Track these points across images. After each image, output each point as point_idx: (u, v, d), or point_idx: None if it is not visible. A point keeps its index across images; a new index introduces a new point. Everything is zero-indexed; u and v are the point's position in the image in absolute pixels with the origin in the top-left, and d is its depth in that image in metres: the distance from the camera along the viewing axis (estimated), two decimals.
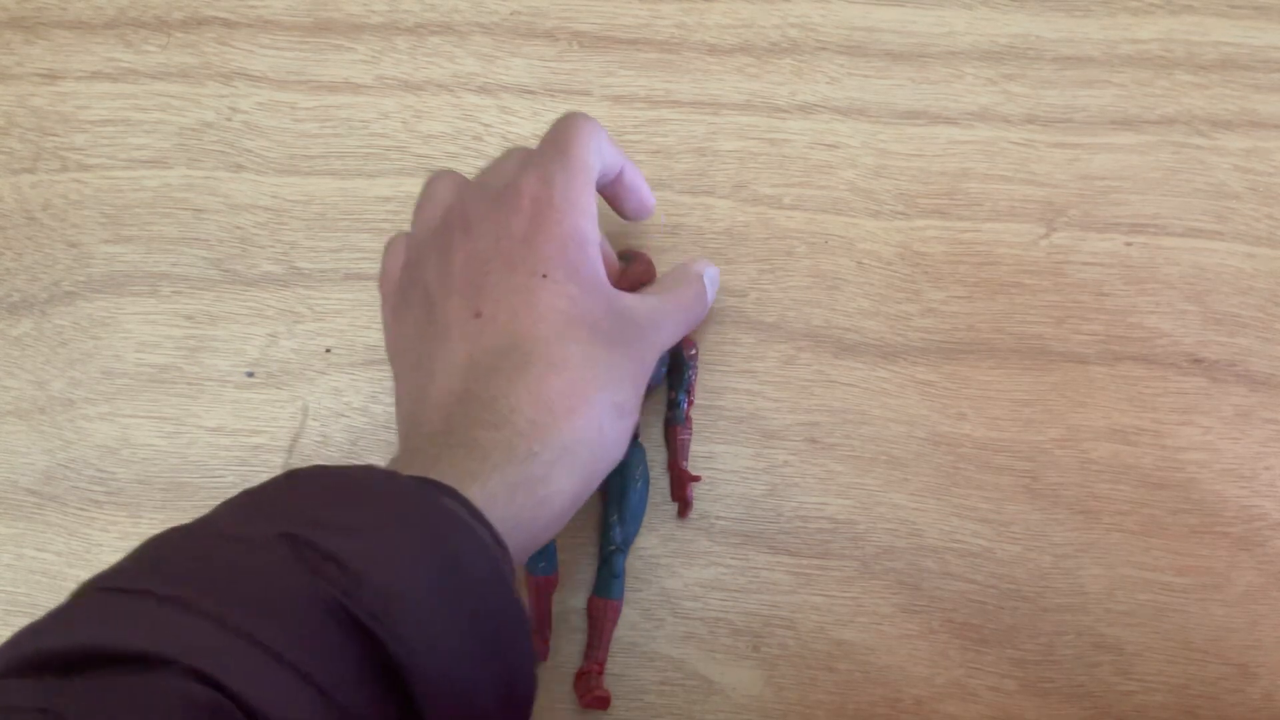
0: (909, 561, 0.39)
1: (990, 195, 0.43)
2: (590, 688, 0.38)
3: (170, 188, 0.44)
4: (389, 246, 0.38)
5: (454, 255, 0.34)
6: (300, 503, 0.27)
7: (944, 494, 0.40)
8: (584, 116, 0.36)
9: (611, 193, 0.38)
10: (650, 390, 0.40)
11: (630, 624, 0.39)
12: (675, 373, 0.40)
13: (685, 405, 0.40)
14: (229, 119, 0.44)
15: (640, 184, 0.38)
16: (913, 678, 0.39)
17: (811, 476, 0.40)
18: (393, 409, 0.41)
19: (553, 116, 0.44)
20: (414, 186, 0.43)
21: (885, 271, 0.42)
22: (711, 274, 0.39)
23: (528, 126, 0.44)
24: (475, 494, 0.29)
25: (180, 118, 0.44)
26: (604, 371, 0.32)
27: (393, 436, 0.41)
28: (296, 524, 0.26)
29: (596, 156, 0.35)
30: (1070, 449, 0.40)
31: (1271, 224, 0.42)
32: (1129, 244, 0.42)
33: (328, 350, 0.42)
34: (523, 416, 0.30)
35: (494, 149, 0.44)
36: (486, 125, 0.44)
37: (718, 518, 0.40)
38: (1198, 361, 0.41)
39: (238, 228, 0.43)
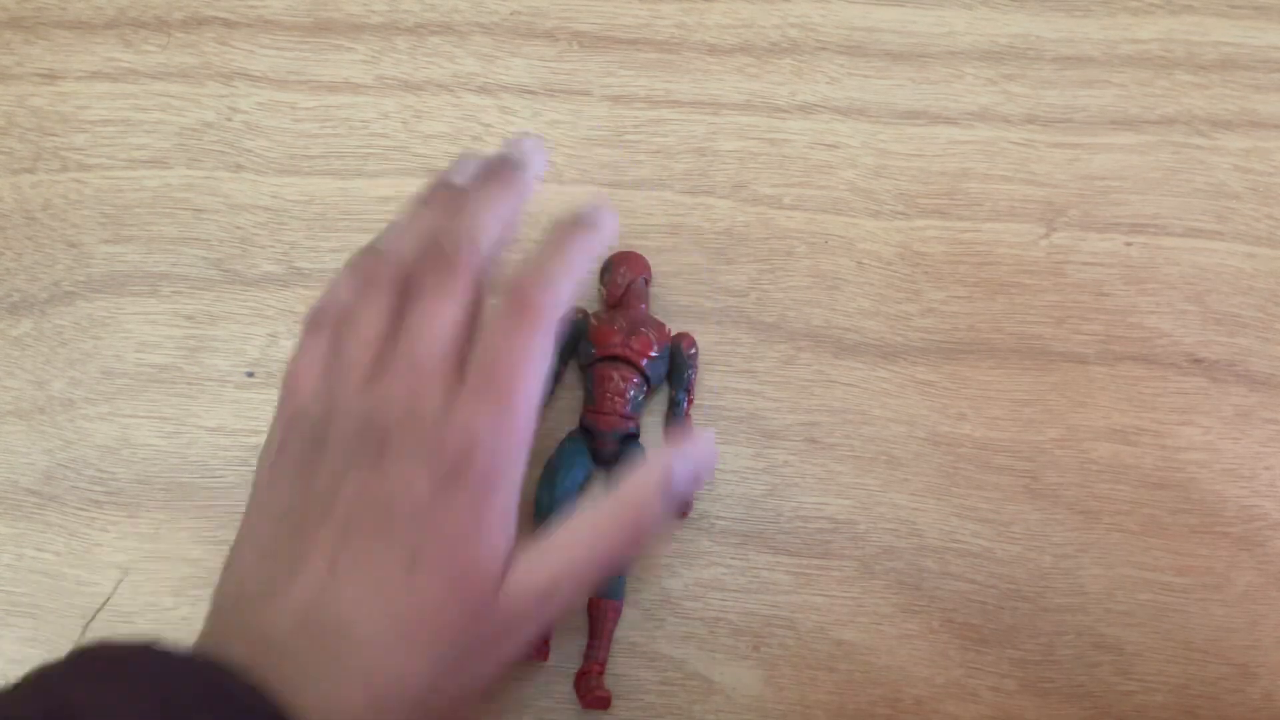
0: (909, 561, 0.39)
1: (990, 195, 0.43)
2: (591, 688, 0.38)
3: (170, 188, 0.44)
4: (312, 323, 0.33)
5: (348, 485, 0.30)
6: (75, 682, 0.26)
7: (944, 494, 0.40)
8: (540, 307, 0.31)
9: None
10: (651, 389, 0.40)
11: (631, 624, 0.39)
12: (675, 372, 0.40)
13: (685, 404, 0.40)
14: (229, 119, 0.44)
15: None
16: (913, 678, 0.39)
17: (811, 476, 0.40)
18: None
19: (553, 116, 0.44)
20: (414, 186, 0.43)
21: (885, 271, 0.42)
22: (686, 464, 0.32)
23: (528, 126, 0.44)
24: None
25: (180, 118, 0.44)
26: (416, 691, 0.29)
27: None
28: (63, 705, 0.25)
29: (543, 380, 0.31)
30: (1070, 449, 0.40)
31: (1271, 224, 0.42)
32: (1129, 244, 0.42)
33: None
34: (307, 712, 0.27)
35: (494, 148, 0.44)
36: (486, 125, 0.44)
37: (718, 518, 0.40)
38: (1198, 361, 0.41)
39: (238, 228, 0.43)
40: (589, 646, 0.38)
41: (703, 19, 0.45)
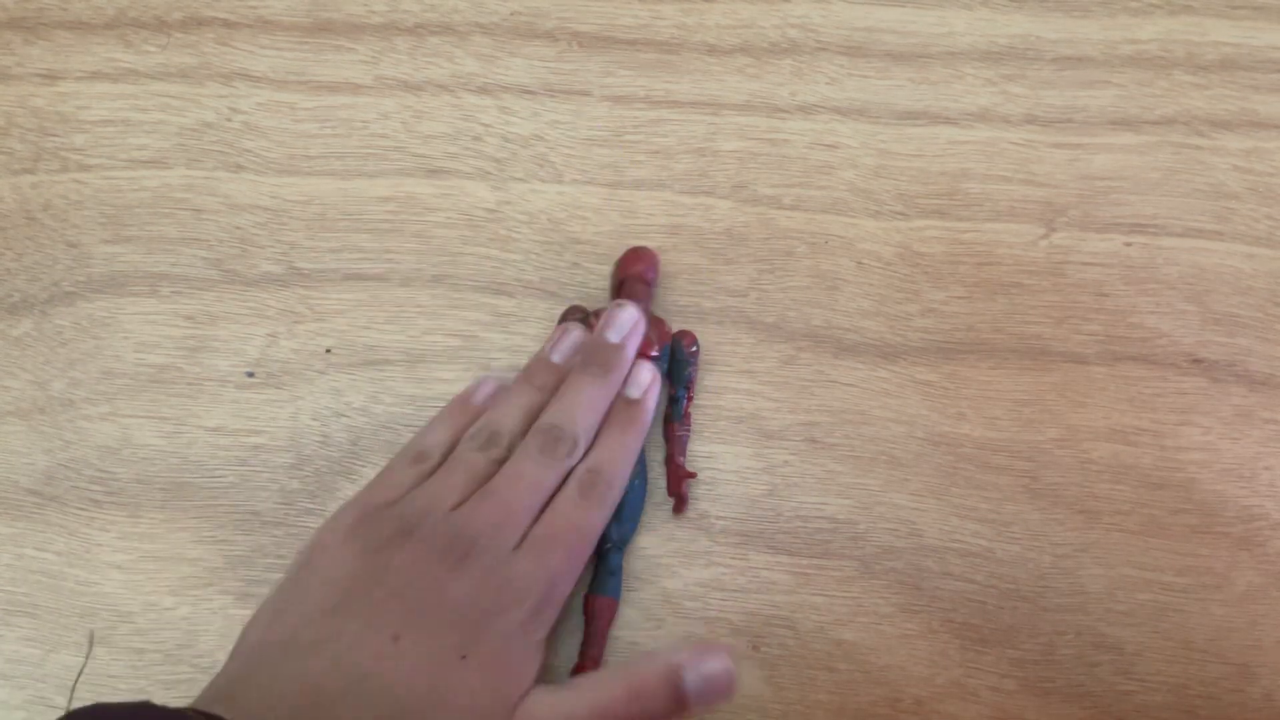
0: (909, 561, 0.39)
1: (990, 195, 0.43)
2: None
3: (170, 188, 0.44)
4: (407, 454, 0.38)
5: (424, 580, 0.33)
6: None
7: (944, 494, 0.40)
8: (598, 506, 0.37)
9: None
10: None
11: (630, 624, 0.39)
12: (675, 369, 0.40)
13: (685, 402, 0.40)
14: (229, 119, 0.44)
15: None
16: (913, 678, 0.39)
17: (811, 476, 0.40)
18: (393, 409, 0.41)
19: (553, 117, 0.44)
20: (414, 186, 0.44)
21: (885, 271, 0.42)
22: (701, 677, 0.33)
23: (528, 126, 0.44)
24: None
25: (180, 118, 0.44)
26: None
27: (393, 436, 0.41)
28: None
29: (592, 548, 0.37)
30: (1070, 449, 0.40)
31: (1271, 224, 0.42)
32: (1129, 244, 0.42)
33: (328, 350, 0.42)
34: None
35: (494, 149, 0.44)
36: (486, 125, 0.44)
37: (718, 518, 0.40)
38: (1198, 361, 0.41)
39: (238, 228, 0.43)
40: (584, 644, 0.38)
41: (703, 19, 0.45)
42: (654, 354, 0.40)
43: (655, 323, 0.40)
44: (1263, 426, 0.40)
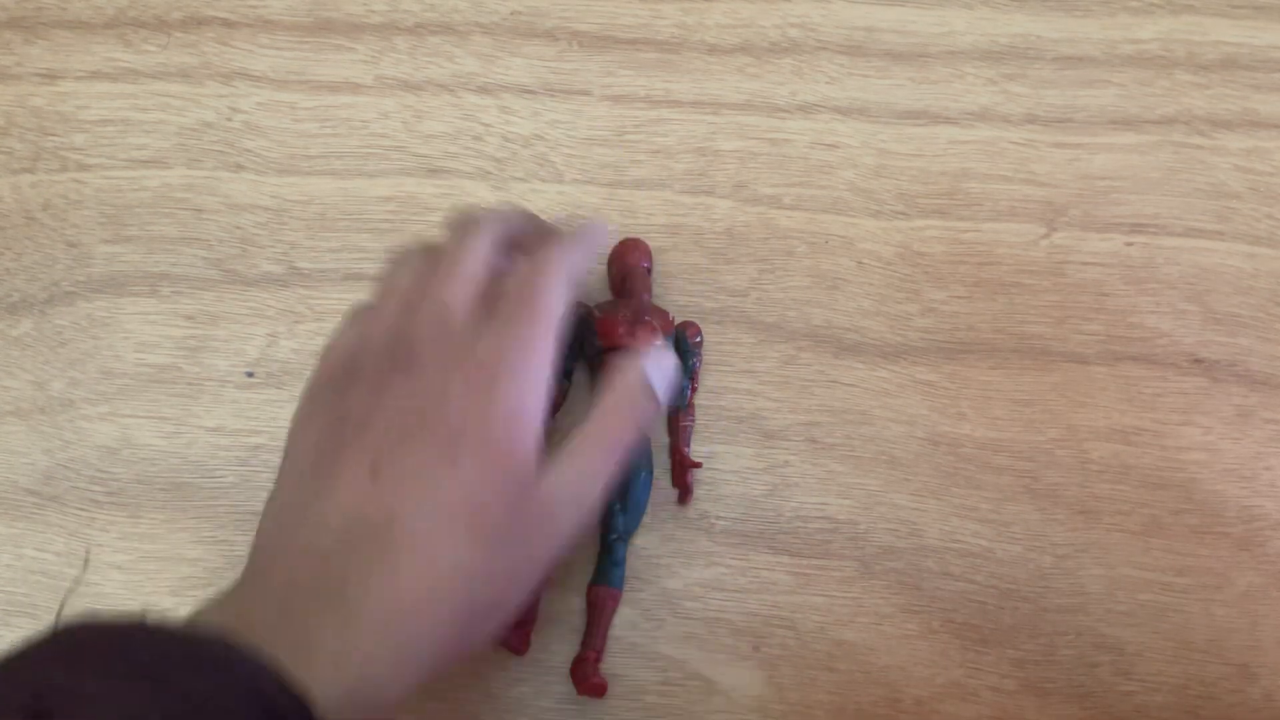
0: (909, 561, 0.39)
1: (990, 195, 0.43)
2: (587, 674, 0.38)
3: (170, 188, 0.44)
4: (349, 318, 0.36)
5: (384, 398, 0.32)
6: (53, 666, 0.25)
7: (944, 494, 0.40)
8: (556, 265, 0.34)
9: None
10: None
11: (630, 624, 0.39)
12: (679, 359, 0.40)
13: (689, 392, 0.40)
14: (229, 119, 0.44)
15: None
16: (913, 678, 0.39)
17: (811, 476, 0.40)
18: None
19: (553, 117, 0.44)
20: (414, 186, 0.43)
21: (885, 271, 0.42)
22: (656, 369, 0.36)
23: (528, 126, 0.44)
24: (297, 670, 0.26)
25: (180, 118, 0.44)
26: (470, 575, 0.30)
27: None
28: (43, 693, 0.24)
29: (564, 304, 0.34)
30: (1070, 449, 0.40)
31: (1271, 224, 0.42)
32: (1129, 244, 0.42)
33: None
34: (368, 613, 0.29)
35: (494, 149, 0.44)
36: (486, 125, 0.44)
37: (718, 518, 0.40)
38: (1198, 361, 0.41)
39: (238, 228, 0.43)
40: (587, 634, 0.38)
41: (703, 19, 0.45)
42: (659, 344, 0.39)
43: (659, 313, 0.40)
44: (1263, 426, 0.40)
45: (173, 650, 0.26)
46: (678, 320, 0.41)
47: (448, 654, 0.30)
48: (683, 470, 0.40)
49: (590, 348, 0.40)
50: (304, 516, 0.31)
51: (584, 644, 0.38)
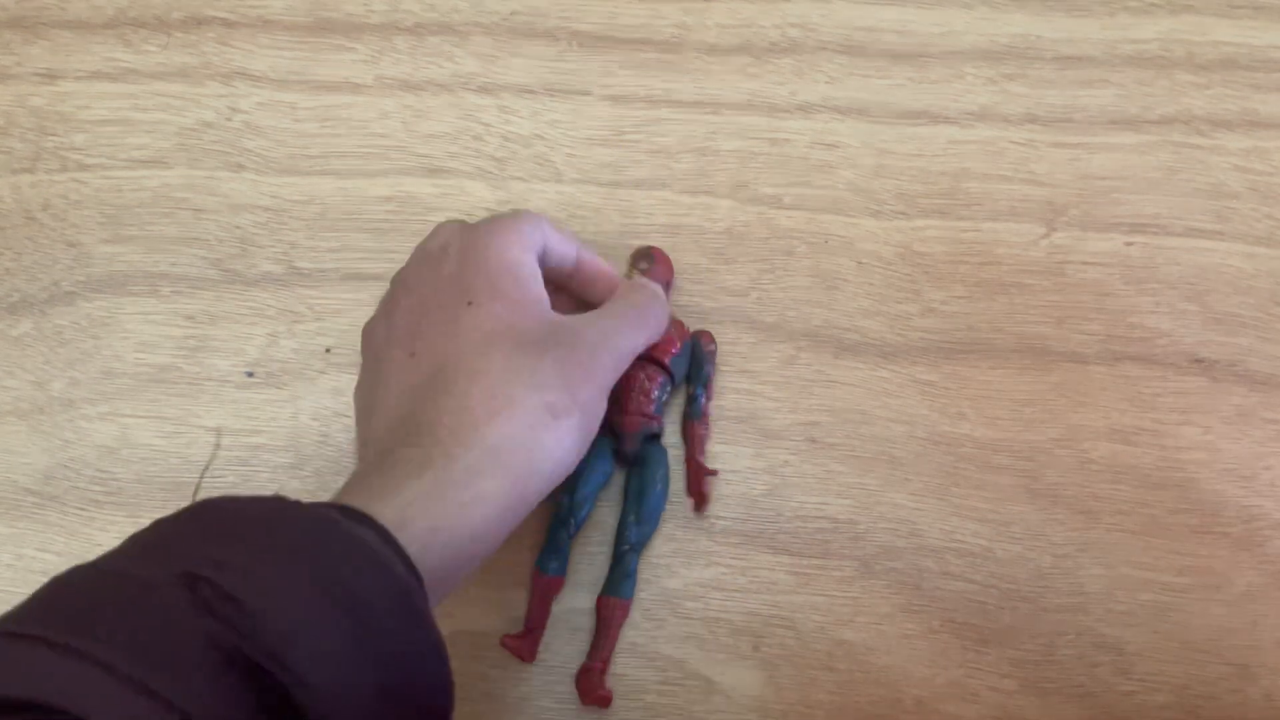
0: (909, 561, 0.39)
1: (990, 195, 0.43)
2: (594, 685, 0.38)
3: (170, 188, 0.44)
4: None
5: (395, 313, 0.36)
6: (202, 539, 0.27)
7: (944, 494, 0.40)
8: (524, 212, 0.37)
9: (576, 286, 0.39)
10: (676, 386, 0.40)
11: (631, 624, 0.39)
12: (694, 368, 0.40)
13: (703, 401, 0.40)
14: (229, 119, 0.44)
15: (600, 268, 0.39)
16: (913, 678, 0.39)
17: (811, 476, 0.40)
18: None
19: (553, 117, 0.44)
20: (414, 186, 0.43)
21: (885, 271, 0.42)
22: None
23: (528, 126, 0.44)
24: (388, 513, 0.29)
25: (180, 118, 0.44)
26: (529, 375, 0.32)
27: None
28: (197, 563, 0.26)
29: (532, 227, 0.36)
30: (1070, 449, 0.40)
31: (1271, 224, 0.42)
32: (1129, 244, 0.42)
33: (328, 350, 0.42)
34: (444, 428, 0.31)
35: (494, 149, 0.44)
36: (486, 125, 0.44)
37: (718, 518, 0.40)
38: (1198, 361, 0.41)
39: (238, 228, 0.43)
40: (594, 645, 0.38)
41: (703, 19, 0.45)
42: (674, 351, 0.39)
43: (674, 322, 0.40)
44: (1263, 426, 0.40)
45: (312, 520, 0.28)
46: (692, 329, 0.41)
47: (532, 469, 0.31)
48: (699, 478, 0.40)
49: None
50: (372, 414, 0.34)
51: (591, 654, 0.38)
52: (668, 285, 0.41)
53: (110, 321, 0.42)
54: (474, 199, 0.43)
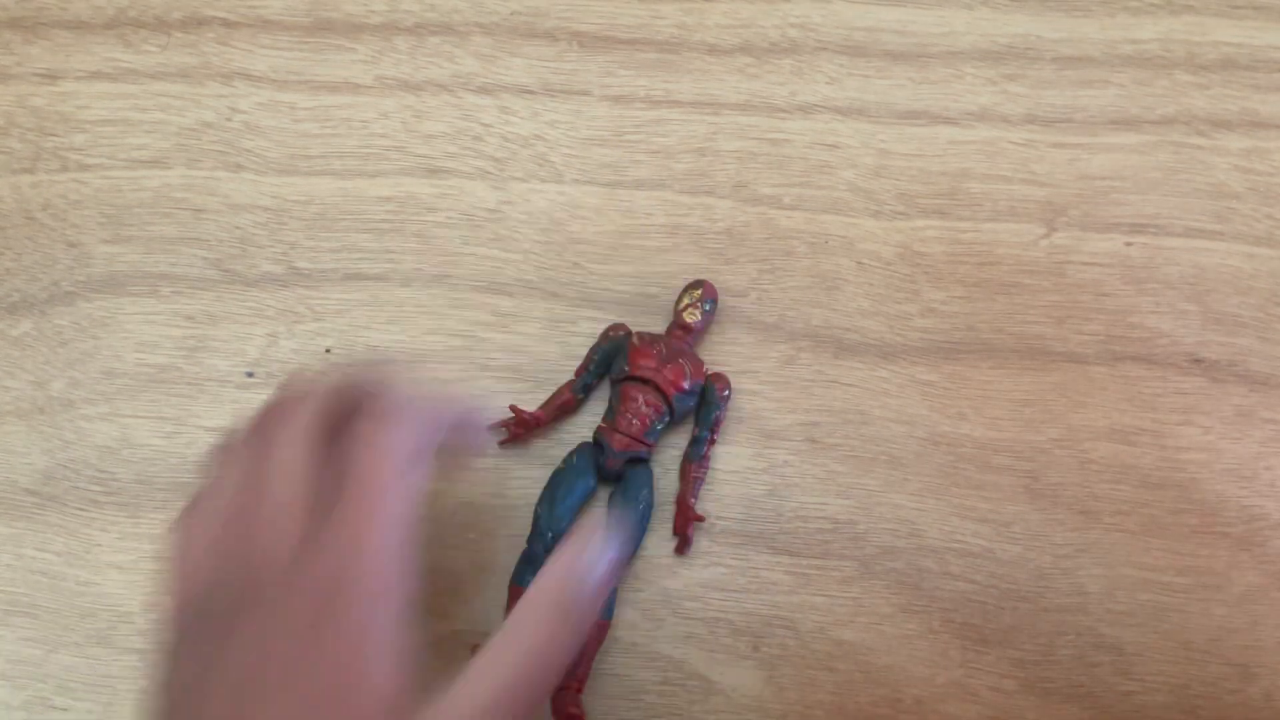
0: (909, 561, 0.39)
1: (990, 195, 0.43)
2: (566, 704, 0.37)
3: (170, 188, 0.44)
4: (179, 530, 0.31)
5: (214, 666, 0.27)
6: None
7: (944, 494, 0.40)
8: (385, 436, 0.30)
9: (451, 443, 0.34)
10: (674, 422, 0.40)
11: (630, 624, 0.39)
12: (704, 410, 0.40)
13: (707, 445, 0.40)
14: (229, 119, 0.44)
15: (472, 420, 0.34)
16: (913, 678, 0.39)
17: (811, 476, 0.40)
18: None
19: (553, 117, 0.44)
20: (414, 186, 0.44)
21: (885, 271, 0.42)
22: (598, 555, 0.29)
23: (527, 126, 0.44)
24: None
25: (180, 118, 0.44)
26: None
27: None
28: None
29: (408, 487, 0.30)
30: (1070, 449, 0.40)
31: (1271, 224, 0.42)
32: (1129, 244, 0.42)
33: (328, 350, 0.42)
34: None
35: (494, 149, 0.44)
36: (486, 125, 0.44)
37: (718, 518, 0.40)
38: (1198, 361, 0.41)
39: (238, 228, 0.43)
40: (572, 664, 0.38)
41: (703, 19, 0.45)
42: (685, 387, 0.39)
43: (693, 360, 0.40)
44: (1263, 426, 0.40)
45: None
46: (710, 371, 0.40)
47: None
48: (685, 521, 0.39)
49: (618, 370, 0.40)
50: None
51: (568, 674, 0.37)
52: (713, 307, 0.41)
53: (110, 321, 0.42)
54: (474, 199, 0.43)
